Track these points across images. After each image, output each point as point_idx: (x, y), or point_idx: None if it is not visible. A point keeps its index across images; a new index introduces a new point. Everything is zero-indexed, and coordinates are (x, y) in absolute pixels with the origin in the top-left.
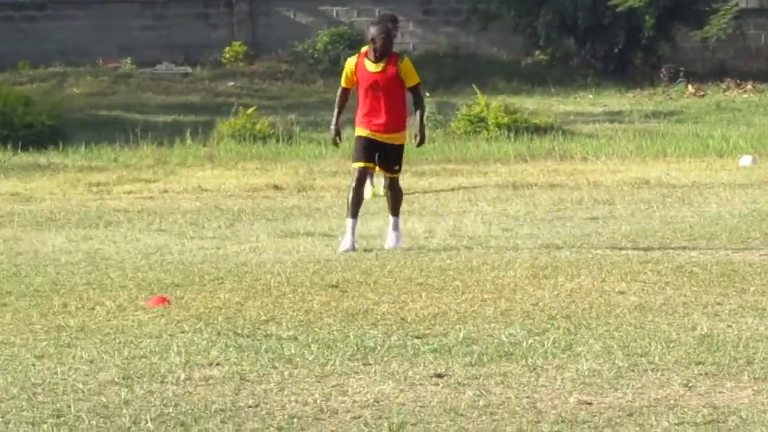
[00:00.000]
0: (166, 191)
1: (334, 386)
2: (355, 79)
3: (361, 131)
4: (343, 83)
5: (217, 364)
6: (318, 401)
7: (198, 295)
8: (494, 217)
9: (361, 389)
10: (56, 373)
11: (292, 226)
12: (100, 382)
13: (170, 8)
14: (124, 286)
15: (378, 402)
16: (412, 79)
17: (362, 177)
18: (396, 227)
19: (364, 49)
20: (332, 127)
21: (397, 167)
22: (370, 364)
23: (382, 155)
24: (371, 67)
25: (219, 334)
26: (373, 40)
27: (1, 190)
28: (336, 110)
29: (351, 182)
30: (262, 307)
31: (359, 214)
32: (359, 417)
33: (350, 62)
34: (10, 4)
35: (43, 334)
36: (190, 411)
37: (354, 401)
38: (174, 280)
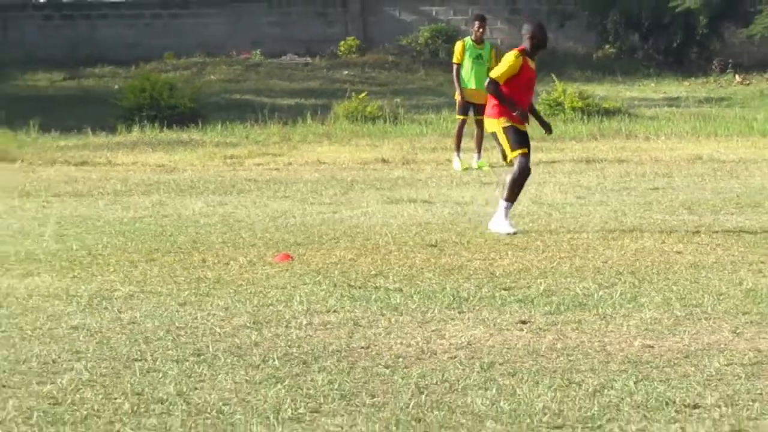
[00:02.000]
0: (290, 164)
1: (433, 331)
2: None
3: (509, 122)
4: (501, 80)
5: (334, 311)
6: (420, 343)
7: (317, 253)
8: (570, 187)
9: (457, 333)
10: (197, 318)
11: (397, 194)
12: (234, 326)
13: (294, 7)
14: (254, 245)
15: (471, 344)
16: None
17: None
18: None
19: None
20: (518, 111)
21: None
22: (464, 312)
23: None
24: (531, 63)
25: (335, 285)
26: (533, 36)
27: (150, 161)
28: (509, 102)
29: (520, 168)
30: (372, 263)
31: None
32: (455, 357)
33: (516, 60)
34: (158, 3)
35: (185, 285)
36: (310, 351)
37: (450, 344)
38: (297, 240)
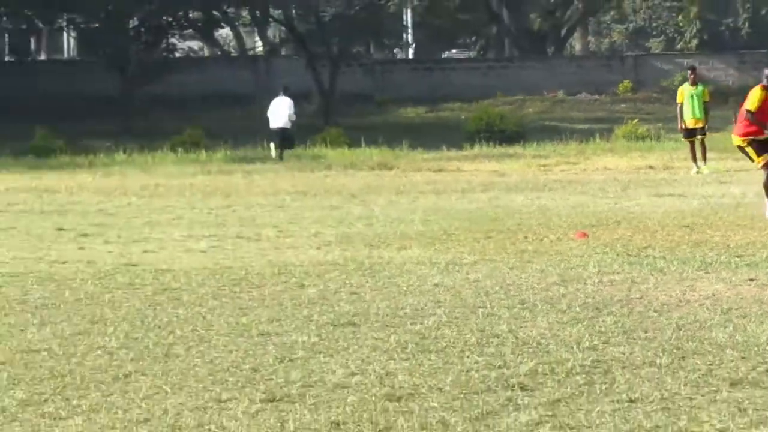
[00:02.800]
0: (584, 170)
1: (687, 286)
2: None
3: (750, 138)
4: (753, 108)
5: (617, 273)
6: (678, 295)
7: (605, 232)
8: None
9: (704, 288)
10: (521, 277)
11: (660, 190)
12: (547, 283)
13: (587, 61)
14: (560, 226)
15: (714, 295)
16: None
17: None
18: None
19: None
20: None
21: None
22: (708, 273)
23: None
24: None
25: (618, 254)
26: None
27: (486, 169)
28: (762, 124)
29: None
30: (643, 239)
31: None
32: (703, 304)
33: (762, 92)
34: (493, 58)
35: (513, 255)
36: (601, 300)
37: (700, 295)
38: (590, 222)
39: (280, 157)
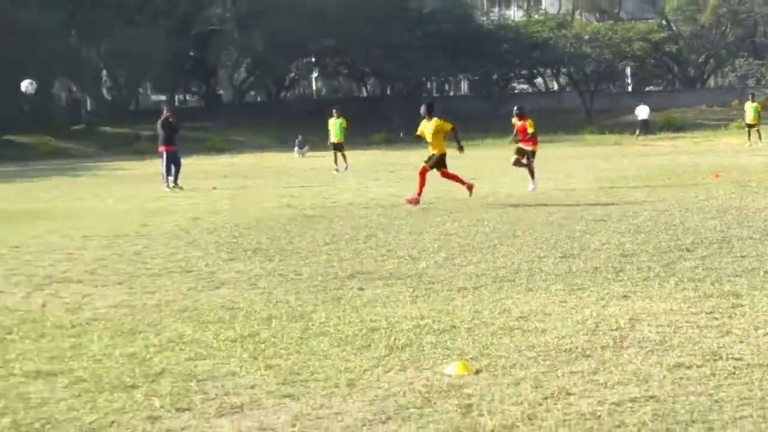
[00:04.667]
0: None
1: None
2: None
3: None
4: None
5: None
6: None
7: (730, 174)
8: None
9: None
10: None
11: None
12: (660, 211)
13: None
14: (706, 173)
15: None
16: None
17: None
18: None
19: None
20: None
21: None
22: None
23: None
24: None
25: (731, 183)
26: None
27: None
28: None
29: None
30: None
31: None
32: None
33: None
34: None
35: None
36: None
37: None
38: (719, 170)
39: (638, 137)
